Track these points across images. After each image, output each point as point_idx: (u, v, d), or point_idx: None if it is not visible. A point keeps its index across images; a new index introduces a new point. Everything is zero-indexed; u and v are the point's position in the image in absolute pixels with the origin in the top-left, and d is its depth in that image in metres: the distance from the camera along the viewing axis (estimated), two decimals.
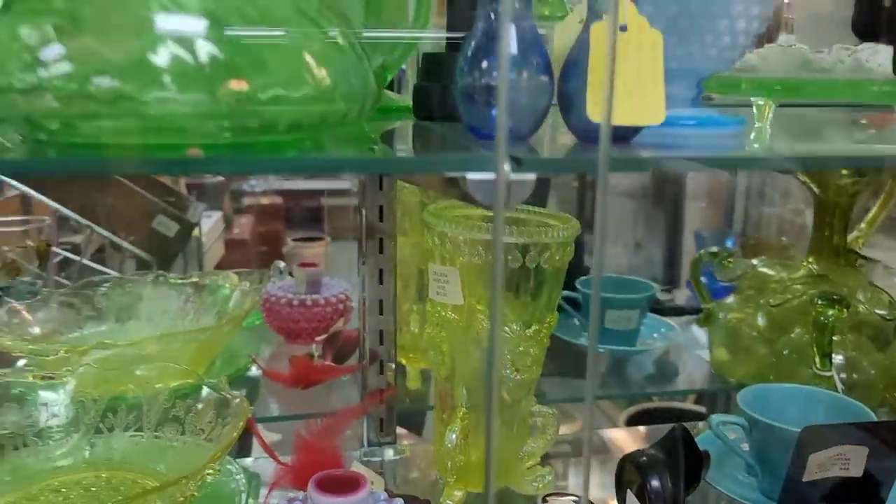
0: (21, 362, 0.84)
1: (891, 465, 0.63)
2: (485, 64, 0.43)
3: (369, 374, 0.84)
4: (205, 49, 0.34)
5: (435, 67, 0.58)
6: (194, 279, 0.97)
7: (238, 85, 0.34)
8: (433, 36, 0.64)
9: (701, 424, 0.93)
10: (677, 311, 1.19)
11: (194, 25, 0.34)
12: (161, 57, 0.33)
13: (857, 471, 0.63)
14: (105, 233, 1.38)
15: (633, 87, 0.40)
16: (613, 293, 1.00)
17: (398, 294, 0.85)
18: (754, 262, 0.98)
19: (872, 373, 0.84)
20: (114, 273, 1.47)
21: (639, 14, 0.41)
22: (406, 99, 0.65)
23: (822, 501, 0.64)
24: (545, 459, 0.76)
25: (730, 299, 0.97)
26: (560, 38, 0.59)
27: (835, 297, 0.80)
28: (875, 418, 0.71)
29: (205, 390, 0.71)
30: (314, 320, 1.00)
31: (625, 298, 1.00)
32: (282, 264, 1.11)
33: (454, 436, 0.68)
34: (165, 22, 0.34)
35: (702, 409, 1.43)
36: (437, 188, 0.59)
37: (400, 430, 0.98)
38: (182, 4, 0.34)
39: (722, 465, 0.74)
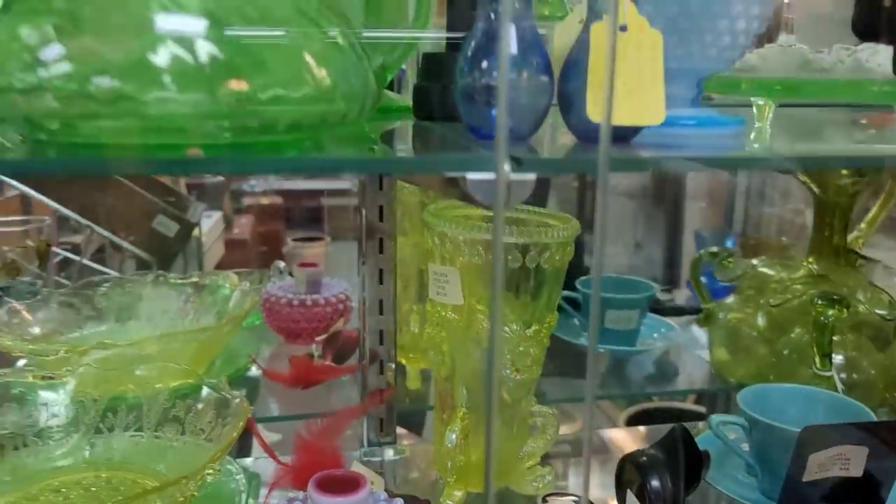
0: (21, 362, 0.84)
1: (891, 465, 0.63)
2: (485, 64, 0.43)
3: (369, 374, 0.84)
4: (205, 49, 0.34)
5: (435, 67, 0.58)
6: (194, 279, 0.97)
7: (238, 85, 0.34)
8: (433, 36, 0.64)
9: (701, 424, 0.93)
10: (677, 311, 1.19)
11: (194, 25, 0.34)
12: (161, 57, 0.33)
13: (857, 471, 0.63)
14: (105, 233, 1.38)
15: (633, 87, 0.40)
16: (613, 293, 1.00)
17: (398, 294, 0.85)
18: (754, 262, 0.98)
19: (872, 373, 0.84)
20: (114, 273, 1.47)
21: (639, 14, 0.41)
22: (406, 99, 0.65)
23: (822, 501, 0.64)
24: (545, 459, 0.76)
25: (730, 299, 0.97)
26: (560, 38, 0.59)
27: (835, 297, 0.80)
28: (875, 418, 0.71)
29: (205, 390, 0.71)
30: (314, 320, 1.00)
31: (625, 298, 1.00)
32: (282, 264, 1.11)
33: (454, 436, 0.68)
34: (165, 22, 0.34)
35: (702, 409, 1.43)
36: (437, 188, 0.59)
37: (400, 430, 0.98)
38: (182, 4, 0.34)
39: (722, 465, 0.74)
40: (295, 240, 2.93)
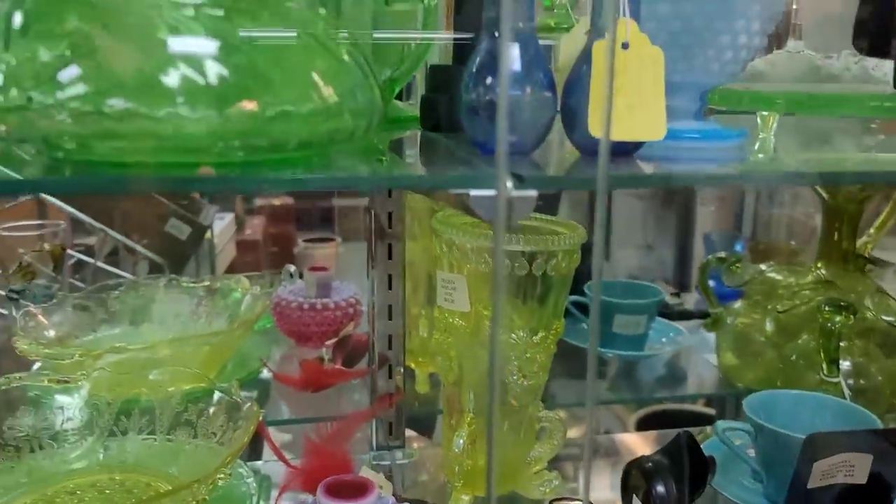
0: (36, 366, 0.86)
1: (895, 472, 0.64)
2: (489, 80, 0.44)
3: (378, 378, 0.85)
4: (214, 70, 0.35)
5: (441, 79, 0.59)
6: (206, 283, 0.98)
7: (248, 105, 0.35)
8: (442, 37, 0.64)
9: (709, 429, 0.93)
10: (686, 316, 1.19)
11: (205, 47, 0.35)
12: (172, 78, 0.34)
13: (861, 478, 0.63)
14: (118, 236, 1.40)
15: (634, 103, 0.41)
16: (622, 298, 1.01)
17: (407, 298, 0.86)
18: (762, 267, 0.98)
19: (880, 379, 0.84)
20: (127, 275, 1.49)
21: (640, 31, 0.42)
22: (414, 108, 0.66)
23: None
24: (554, 463, 0.76)
25: (737, 304, 0.97)
26: (566, 49, 0.60)
27: (842, 303, 0.80)
28: (881, 425, 0.71)
29: (216, 394, 0.72)
30: (324, 324, 1.01)
31: (633, 303, 1.00)
32: (292, 268, 1.12)
33: (461, 441, 0.69)
34: (176, 44, 0.35)
35: (712, 411, 1.43)
36: (444, 198, 0.60)
37: (410, 433, 0.99)
38: (192, 27, 0.35)
39: (728, 470, 0.74)
40: (306, 241, 2.95)
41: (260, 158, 0.38)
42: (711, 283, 1.03)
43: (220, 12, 0.36)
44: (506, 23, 0.31)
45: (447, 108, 0.57)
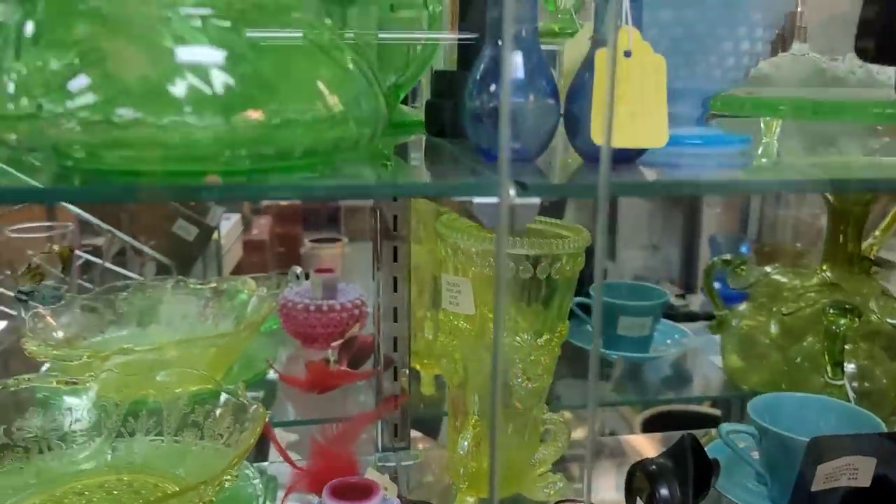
0: (45, 367, 0.87)
1: None
2: (492, 87, 0.44)
3: (384, 379, 0.86)
4: (222, 79, 0.35)
5: (446, 85, 0.59)
6: (213, 284, 0.99)
7: (254, 114, 0.36)
8: (445, 37, 0.64)
9: (713, 432, 0.93)
10: (691, 317, 1.20)
11: (212, 57, 0.36)
12: (180, 87, 0.35)
13: (865, 481, 0.63)
14: (126, 238, 1.41)
15: (636, 110, 0.41)
16: (627, 300, 1.01)
17: (413, 300, 0.86)
18: (767, 269, 0.98)
19: (884, 382, 0.84)
20: (135, 276, 1.50)
21: (643, 39, 0.42)
22: (419, 113, 0.66)
23: None
24: (560, 464, 0.77)
25: (742, 306, 0.97)
26: (570, 54, 0.60)
27: (846, 306, 0.81)
28: (885, 428, 0.71)
29: (223, 396, 0.73)
30: (330, 325, 1.02)
31: (638, 305, 1.01)
32: (298, 269, 1.13)
33: (466, 443, 0.70)
34: (184, 53, 0.36)
35: (718, 412, 1.43)
36: (448, 202, 0.60)
37: (415, 434, 0.99)
38: (200, 37, 0.36)
39: (732, 473, 0.75)
40: (312, 241, 2.96)
41: (266, 166, 0.38)
42: (717, 284, 1.03)
43: (228, 23, 0.36)
44: (508, 33, 0.32)
45: (451, 113, 0.57)
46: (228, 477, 0.60)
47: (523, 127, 0.44)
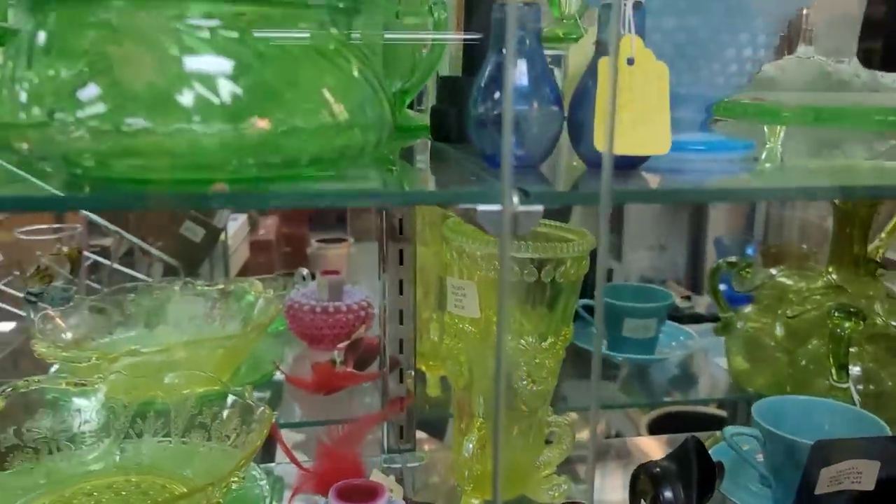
0: (54, 367, 0.88)
1: None
2: (496, 95, 0.45)
3: (389, 381, 0.86)
4: (229, 89, 0.36)
5: (451, 90, 0.60)
6: (220, 286, 1.00)
7: (261, 123, 0.36)
8: (453, 38, 0.64)
9: (718, 434, 0.94)
10: (696, 319, 1.20)
11: (220, 66, 0.36)
12: (187, 97, 0.35)
13: (869, 484, 0.63)
14: (134, 239, 1.42)
15: (639, 117, 0.42)
16: (632, 302, 1.01)
17: (418, 302, 0.86)
18: (773, 272, 0.98)
19: (889, 384, 0.84)
20: (142, 276, 1.51)
21: (645, 46, 0.42)
22: (425, 117, 0.66)
23: None
24: (567, 465, 0.77)
25: (748, 309, 0.98)
26: (575, 59, 0.60)
27: (851, 309, 0.81)
28: (890, 431, 0.71)
29: (230, 398, 0.73)
30: (336, 327, 1.02)
31: (643, 307, 1.01)
32: (305, 271, 1.13)
33: (471, 445, 0.70)
34: (192, 63, 0.36)
35: (724, 413, 1.43)
36: (453, 208, 0.61)
37: (421, 435, 1.00)
38: (207, 47, 0.36)
39: (737, 475, 0.75)
40: (319, 241, 2.97)
41: (273, 174, 0.39)
42: (722, 286, 1.03)
43: (235, 34, 0.37)
44: (510, 44, 0.32)
45: (456, 119, 0.57)
46: (236, 478, 0.61)
47: (527, 134, 0.45)
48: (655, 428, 1.47)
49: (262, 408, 0.70)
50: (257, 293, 0.97)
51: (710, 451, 0.70)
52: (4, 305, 1.34)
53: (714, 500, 0.70)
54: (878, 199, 0.85)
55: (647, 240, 2.40)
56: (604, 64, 0.42)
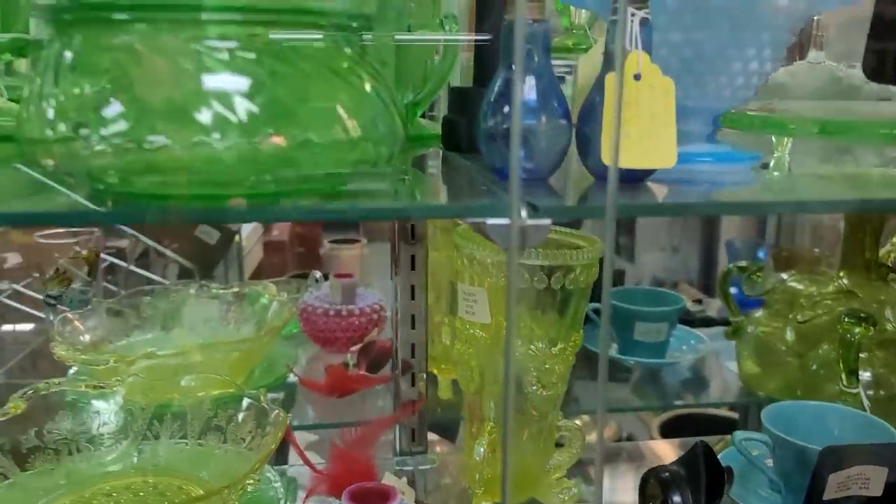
0: (73, 369, 0.89)
1: None
2: (506, 109, 0.46)
3: (402, 384, 0.87)
4: (246, 106, 0.37)
5: (462, 101, 0.61)
6: (235, 289, 1.01)
7: (278, 140, 0.37)
8: (465, 38, 0.65)
9: (728, 438, 0.94)
10: (707, 322, 1.20)
11: (237, 86, 0.37)
12: (206, 115, 0.36)
13: (877, 490, 0.64)
14: (150, 242, 1.44)
15: (645, 132, 0.42)
16: (643, 306, 1.02)
17: (430, 306, 0.87)
18: (783, 276, 0.98)
19: None
20: (158, 278, 1.53)
21: (652, 61, 0.43)
22: (437, 125, 0.67)
23: None
24: (578, 468, 0.78)
25: (758, 313, 0.98)
26: (584, 70, 0.61)
27: (862, 314, 0.81)
28: None
29: (245, 401, 0.74)
30: (349, 330, 1.03)
31: (654, 311, 1.01)
32: (318, 274, 1.15)
33: (482, 449, 0.71)
34: (211, 83, 0.37)
35: (735, 416, 1.43)
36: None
37: (433, 437, 1.01)
38: (226, 67, 0.37)
39: (746, 480, 0.75)
40: (332, 241, 2.98)
41: (289, 189, 0.40)
42: (733, 290, 1.03)
43: (253, 55, 0.38)
44: (519, 64, 0.33)
45: (467, 129, 0.58)
46: (251, 481, 0.62)
47: (536, 147, 0.45)
48: (667, 430, 1.47)
49: (277, 411, 0.71)
50: (271, 296, 0.98)
51: (719, 456, 0.71)
52: (23, 307, 1.37)
53: None
54: (888, 212, 0.86)
55: (660, 241, 2.40)
56: (611, 79, 0.43)
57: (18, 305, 1.37)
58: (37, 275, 1.30)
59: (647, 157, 0.43)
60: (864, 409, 0.79)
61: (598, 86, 0.45)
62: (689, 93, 0.51)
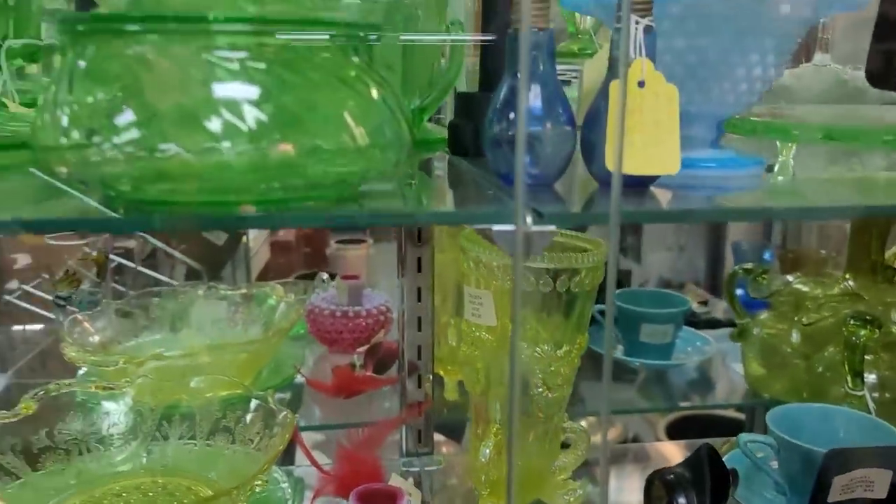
0: (82, 370, 0.90)
1: None
2: (511, 116, 0.46)
3: (408, 385, 0.88)
4: (255, 115, 0.38)
5: (468, 106, 0.61)
6: (243, 290, 1.02)
7: (287, 148, 0.38)
8: (469, 38, 0.65)
9: (734, 440, 0.94)
10: (713, 324, 1.20)
11: (246, 95, 0.38)
12: (216, 124, 0.37)
13: (881, 493, 0.64)
14: (158, 243, 1.45)
15: (649, 139, 0.43)
16: (649, 307, 1.02)
17: (436, 308, 0.88)
18: (789, 278, 0.99)
19: None
20: (166, 279, 1.54)
21: (656, 68, 0.43)
22: (443, 130, 0.68)
23: None
24: (585, 468, 0.78)
25: (764, 315, 0.98)
26: (589, 75, 0.61)
27: (867, 317, 0.81)
28: None
29: (253, 402, 0.75)
30: (356, 331, 1.04)
31: (660, 313, 1.02)
32: (325, 275, 1.15)
33: (488, 451, 0.71)
34: (220, 91, 0.38)
35: (742, 416, 1.43)
36: None
37: (439, 437, 1.01)
38: (236, 77, 0.38)
39: (751, 482, 0.76)
40: (338, 241, 2.99)
41: (298, 196, 0.40)
42: (739, 291, 1.03)
43: (262, 65, 0.39)
44: (524, 73, 0.33)
45: (473, 134, 0.59)
46: (259, 482, 0.63)
47: (541, 154, 0.46)
48: (673, 431, 1.48)
49: (285, 412, 0.72)
50: (279, 297, 0.99)
51: (725, 458, 0.71)
52: (33, 307, 1.38)
53: None
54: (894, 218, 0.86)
55: (667, 241, 2.39)
56: (614, 87, 0.43)
57: (28, 306, 1.39)
58: (46, 275, 1.31)
59: (651, 164, 0.43)
60: (870, 412, 0.79)
61: (603, 92, 0.46)
62: (693, 98, 0.52)
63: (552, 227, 0.37)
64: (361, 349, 1.01)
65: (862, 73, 0.90)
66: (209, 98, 0.38)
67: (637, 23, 0.42)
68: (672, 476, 0.68)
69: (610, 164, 0.43)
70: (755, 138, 0.67)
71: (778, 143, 0.66)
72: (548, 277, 0.66)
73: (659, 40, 0.45)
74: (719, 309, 1.49)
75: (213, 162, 0.37)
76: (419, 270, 0.84)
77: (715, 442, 0.75)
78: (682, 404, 1.15)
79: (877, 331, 0.80)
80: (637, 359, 1.02)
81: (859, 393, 0.82)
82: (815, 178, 0.62)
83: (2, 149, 0.52)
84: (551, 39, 0.47)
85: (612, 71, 0.47)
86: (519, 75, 0.37)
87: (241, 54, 0.38)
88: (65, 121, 0.39)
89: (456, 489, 0.84)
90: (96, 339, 0.92)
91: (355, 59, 0.42)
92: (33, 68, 0.76)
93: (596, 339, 0.89)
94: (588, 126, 0.47)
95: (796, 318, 0.93)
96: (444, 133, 0.66)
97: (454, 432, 1.20)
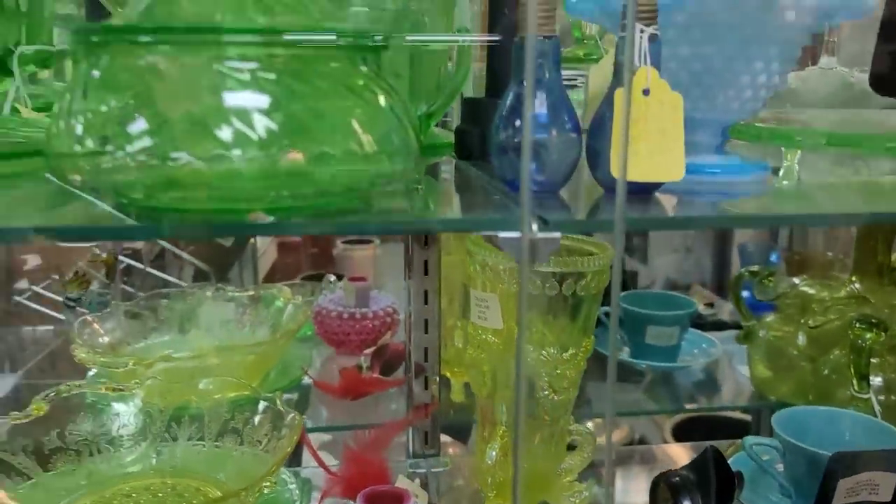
0: (92, 371, 0.91)
1: None
2: (517, 123, 0.47)
3: (415, 387, 0.88)
4: (265, 124, 0.38)
5: (475, 112, 0.62)
6: (251, 292, 1.03)
7: (297, 157, 0.39)
8: (477, 38, 0.66)
9: (739, 442, 0.94)
10: (719, 326, 1.20)
11: (257, 105, 0.39)
12: (226, 133, 0.38)
13: (886, 496, 0.64)
14: (167, 245, 1.46)
15: (654, 146, 0.43)
16: (655, 309, 1.02)
17: (443, 310, 0.89)
18: (795, 281, 0.99)
19: None
20: (173, 279, 1.55)
21: (661, 76, 0.44)
22: (450, 134, 0.68)
23: None
24: (592, 469, 0.79)
25: (770, 317, 0.98)
26: (595, 80, 0.62)
27: (873, 320, 0.81)
28: None
29: (261, 404, 0.76)
30: (363, 333, 1.05)
31: (666, 315, 1.02)
32: (332, 277, 1.16)
33: (494, 453, 0.72)
34: (231, 100, 0.38)
35: (748, 418, 1.43)
36: None
37: (446, 439, 1.02)
38: (247, 86, 0.39)
39: (757, 485, 0.76)
40: (345, 242, 3.00)
41: (306, 203, 0.41)
42: (745, 293, 1.04)
43: (272, 75, 0.39)
44: (530, 80, 0.34)
45: (479, 140, 0.59)
46: (268, 483, 0.63)
47: (547, 160, 0.46)
48: (679, 433, 1.48)
49: (293, 414, 0.72)
50: (286, 299, 1.00)
51: (730, 461, 0.71)
52: (43, 308, 1.39)
53: None
54: None
55: (673, 243, 2.39)
56: (619, 95, 0.44)
57: (38, 307, 1.40)
58: (56, 276, 1.33)
59: (655, 172, 0.44)
60: (876, 415, 0.79)
61: (608, 99, 0.46)
62: (698, 105, 0.52)
63: (557, 234, 0.38)
64: (368, 351, 1.01)
65: (868, 76, 0.90)
66: (220, 107, 0.38)
67: (642, 31, 0.43)
68: (677, 478, 0.69)
69: (615, 171, 0.43)
70: (760, 143, 0.67)
71: (783, 148, 0.66)
72: (554, 281, 0.67)
73: (664, 48, 0.45)
74: (725, 311, 1.49)
75: (224, 170, 0.38)
76: (426, 273, 0.85)
77: (720, 444, 0.75)
78: (688, 406, 1.15)
79: (883, 334, 0.80)
80: (643, 361, 1.02)
81: (865, 396, 0.82)
82: (821, 182, 0.62)
83: (15, 156, 0.53)
84: (557, 47, 0.47)
85: (618, 77, 0.48)
86: (525, 83, 0.37)
87: (252, 65, 0.39)
88: (79, 129, 0.39)
89: (462, 491, 0.85)
90: (106, 340, 0.93)
91: (363, 68, 0.43)
92: (45, 73, 0.77)
93: (602, 342, 0.90)
94: (593, 133, 0.48)
95: (802, 321, 0.93)
96: (451, 138, 0.66)
97: (460, 434, 1.20)
